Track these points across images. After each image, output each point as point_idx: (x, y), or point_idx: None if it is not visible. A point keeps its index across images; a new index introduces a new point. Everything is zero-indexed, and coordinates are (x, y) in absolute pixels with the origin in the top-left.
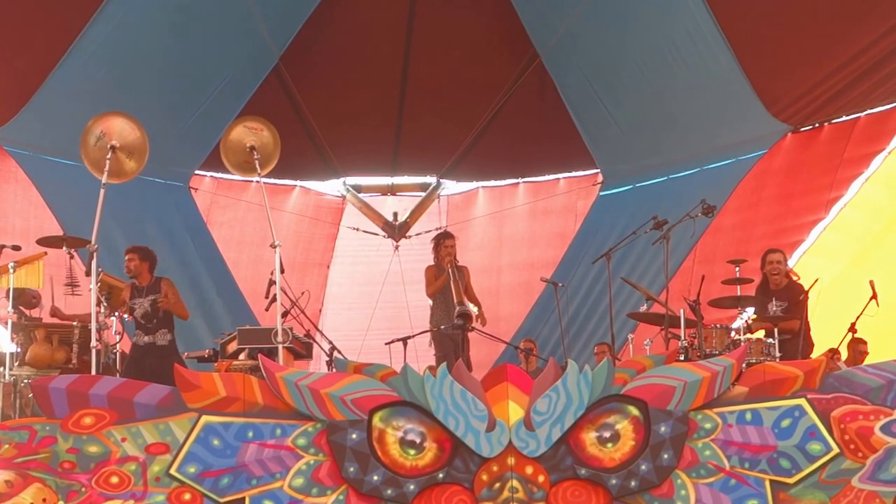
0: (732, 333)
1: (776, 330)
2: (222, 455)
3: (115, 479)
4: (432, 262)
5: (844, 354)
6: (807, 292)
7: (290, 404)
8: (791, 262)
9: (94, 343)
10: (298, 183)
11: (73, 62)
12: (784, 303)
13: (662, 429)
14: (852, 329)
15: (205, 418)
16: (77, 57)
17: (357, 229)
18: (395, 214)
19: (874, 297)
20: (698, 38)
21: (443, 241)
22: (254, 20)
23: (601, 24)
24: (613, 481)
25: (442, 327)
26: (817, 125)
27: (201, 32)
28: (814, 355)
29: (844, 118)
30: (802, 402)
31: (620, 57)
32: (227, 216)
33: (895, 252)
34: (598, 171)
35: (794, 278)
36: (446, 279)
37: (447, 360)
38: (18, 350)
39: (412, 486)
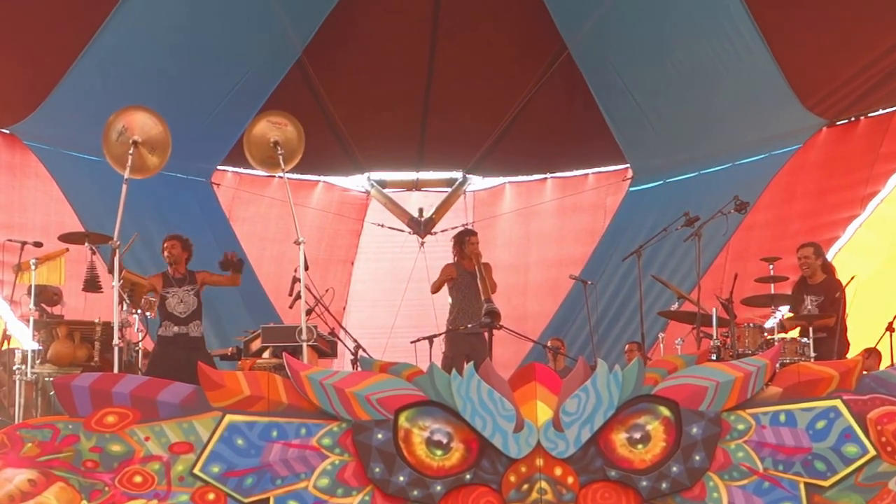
0: (766, 332)
1: (811, 328)
2: (246, 455)
3: (138, 479)
4: (454, 260)
5: (887, 354)
6: (843, 289)
7: (315, 403)
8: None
9: (116, 341)
10: (322, 178)
11: (94, 56)
12: (820, 297)
13: (694, 430)
14: (889, 328)
15: (229, 417)
16: (98, 50)
17: (382, 225)
18: (421, 210)
19: None
20: (731, 29)
21: (468, 239)
22: (276, 13)
23: (631, 16)
24: (644, 483)
25: (469, 326)
26: (853, 119)
27: (223, 25)
28: (850, 355)
29: (881, 112)
30: (838, 403)
31: (651, 49)
32: (249, 212)
33: None
34: (628, 166)
35: (833, 273)
36: (443, 281)
37: (454, 363)
38: (40, 348)
39: (439, 487)
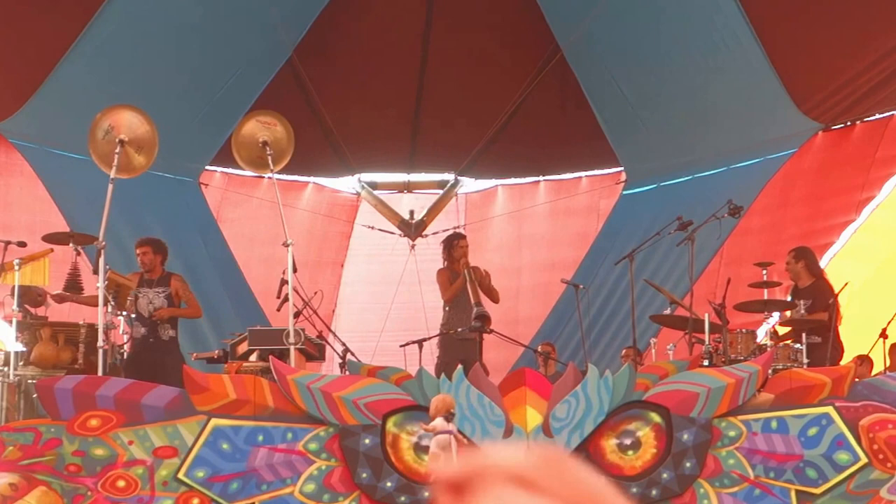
0: (759, 339)
1: (804, 335)
2: (232, 459)
3: (121, 483)
4: (443, 265)
5: (880, 361)
6: (836, 295)
7: (301, 408)
8: (821, 265)
9: (100, 343)
10: (312, 179)
11: (82, 53)
12: (808, 301)
13: (685, 436)
14: (883, 335)
15: (214, 421)
16: (85, 47)
17: (372, 227)
18: (412, 212)
19: None
20: (727, 32)
21: (456, 242)
22: (267, 11)
23: (626, 17)
24: (634, 490)
25: (459, 330)
26: (849, 123)
27: (212, 23)
28: (843, 362)
29: (877, 116)
30: (830, 410)
31: (645, 51)
32: (238, 213)
33: None
34: (622, 169)
35: (822, 277)
36: (463, 282)
37: (449, 368)
38: (23, 349)
39: (427, 493)
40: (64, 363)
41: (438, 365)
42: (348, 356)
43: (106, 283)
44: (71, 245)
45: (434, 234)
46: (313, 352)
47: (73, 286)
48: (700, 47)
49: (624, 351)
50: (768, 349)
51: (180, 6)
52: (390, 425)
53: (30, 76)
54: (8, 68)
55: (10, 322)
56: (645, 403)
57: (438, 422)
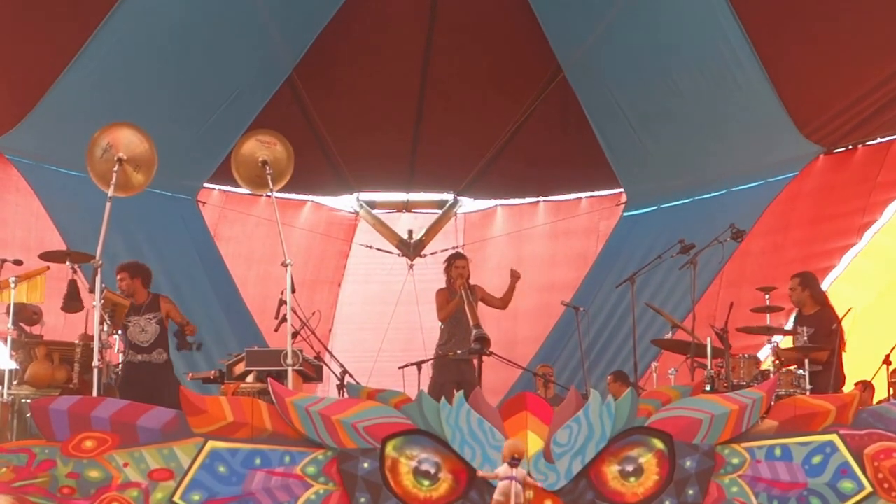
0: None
1: (807, 361)
2: (228, 483)
3: None
4: (444, 285)
5: (882, 387)
6: (839, 322)
7: (299, 431)
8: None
9: (96, 362)
10: (310, 198)
11: (80, 69)
12: (811, 329)
13: (688, 463)
14: (886, 361)
15: (211, 444)
16: (84, 64)
17: (370, 247)
18: (410, 232)
19: None
20: (729, 55)
21: (454, 263)
22: (267, 29)
23: (627, 39)
24: None
25: (458, 352)
26: (851, 147)
27: (212, 41)
28: (845, 388)
29: (879, 140)
30: (834, 437)
31: (647, 73)
32: (235, 231)
33: None
34: (622, 190)
35: (826, 305)
36: (459, 303)
37: (444, 389)
38: (17, 368)
39: None
40: (59, 382)
41: (431, 385)
42: (347, 378)
43: (102, 301)
44: (67, 263)
45: (432, 254)
46: (311, 373)
47: (73, 298)
48: (702, 70)
49: (610, 377)
50: (771, 375)
51: (180, 24)
52: (390, 449)
53: (28, 92)
54: (5, 84)
55: (5, 340)
56: (647, 429)
57: (502, 468)
